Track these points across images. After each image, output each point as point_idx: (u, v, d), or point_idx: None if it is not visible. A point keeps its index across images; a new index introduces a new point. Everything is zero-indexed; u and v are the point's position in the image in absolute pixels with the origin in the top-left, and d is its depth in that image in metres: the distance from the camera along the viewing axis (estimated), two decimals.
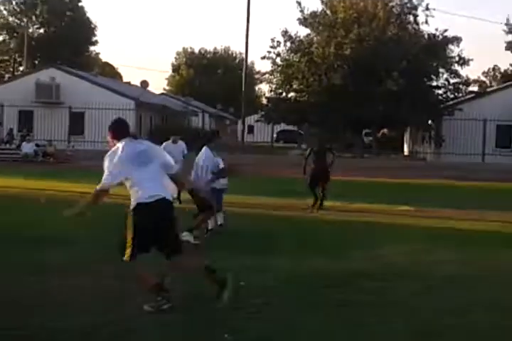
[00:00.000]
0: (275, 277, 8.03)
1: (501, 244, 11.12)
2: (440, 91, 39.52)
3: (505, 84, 46.22)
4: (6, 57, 66.95)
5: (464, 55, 38.84)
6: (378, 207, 16.31)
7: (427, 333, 6.11)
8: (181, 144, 15.88)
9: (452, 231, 12.58)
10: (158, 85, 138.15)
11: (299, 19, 39.56)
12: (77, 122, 37.00)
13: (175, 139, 15.80)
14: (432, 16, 39.18)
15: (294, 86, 39.26)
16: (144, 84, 40.37)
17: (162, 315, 6.34)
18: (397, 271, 8.71)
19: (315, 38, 39.79)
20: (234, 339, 5.71)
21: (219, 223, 11.69)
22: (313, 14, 39.86)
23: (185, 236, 9.91)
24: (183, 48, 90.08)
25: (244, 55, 43.69)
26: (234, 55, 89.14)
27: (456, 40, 39.12)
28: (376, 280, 8.12)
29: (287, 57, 39.39)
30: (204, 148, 11.03)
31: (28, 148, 31.90)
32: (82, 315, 6.35)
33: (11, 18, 66.47)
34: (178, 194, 13.02)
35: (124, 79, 72.65)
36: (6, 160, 30.95)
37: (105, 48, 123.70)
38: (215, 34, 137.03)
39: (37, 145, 32.91)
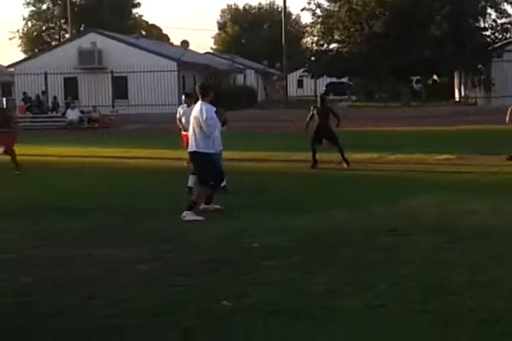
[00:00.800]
0: (290, 237, 7.79)
1: None
2: (488, 33, 38.08)
3: None
4: (52, 25, 67.31)
5: None
6: (418, 156, 15.90)
7: (441, 291, 5.78)
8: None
9: (490, 180, 12.14)
10: (205, 44, 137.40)
11: None
12: (120, 86, 36.98)
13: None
14: None
15: (336, 37, 38.43)
16: (185, 44, 39.98)
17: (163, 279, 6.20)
18: (422, 224, 8.37)
19: None
20: (234, 306, 5.52)
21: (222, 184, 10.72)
22: None
23: (186, 216, 9.06)
24: (228, 5, 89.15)
25: (286, 9, 42.84)
26: (279, 9, 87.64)
27: None
28: (398, 235, 7.82)
29: (327, 7, 38.43)
30: (199, 103, 9.41)
31: (72, 115, 32.12)
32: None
33: None
34: None
35: (172, 41, 72.37)
36: (53, 128, 31.28)
37: (150, 10, 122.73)
38: None
39: (82, 111, 33.12)
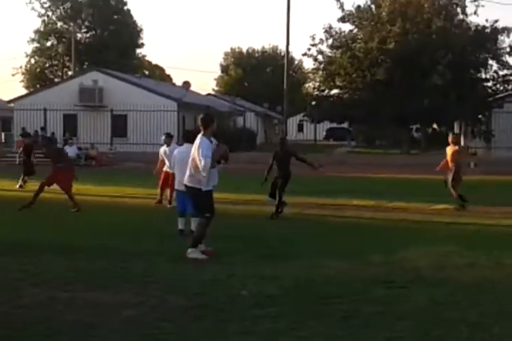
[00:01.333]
0: (281, 285, 7.47)
1: None
2: (489, 84, 38.20)
3: None
4: (55, 62, 67.70)
5: None
6: (415, 205, 15.63)
7: None
8: None
9: (488, 232, 11.85)
10: (208, 86, 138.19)
11: (340, 17, 38.69)
12: (119, 125, 36.96)
13: None
14: (482, 6, 37.73)
15: (337, 83, 38.50)
16: (186, 84, 40.10)
17: None
18: (419, 276, 8.04)
19: (358, 34, 38.90)
20: None
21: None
22: (357, 9, 38.97)
23: (191, 253, 9.03)
24: (231, 48, 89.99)
25: (289, 54, 43.03)
26: (282, 53, 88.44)
27: (507, 30, 37.75)
28: (393, 287, 7.49)
29: (329, 53, 38.61)
30: (199, 138, 9.12)
31: (70, 151, 31.86)
32: None
33: (59, 23, 67.18)
34: None
35: (175, 81, 72.77)
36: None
37: (153, 51, 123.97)
38: (263, 33, 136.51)
39: (79, 148, 32.95)
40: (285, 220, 13.22)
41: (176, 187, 11.24)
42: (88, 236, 11.03)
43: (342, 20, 38.74)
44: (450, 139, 16.11)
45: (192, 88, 44.07)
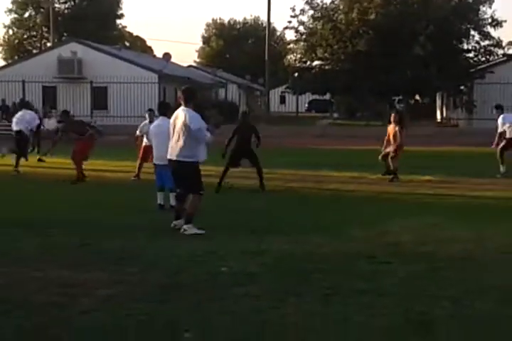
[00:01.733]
0: (263, 261, 7.35)
1: None
2: (471, 55, 38.06)
3: None
4: (33, 33, 66.60)
5: (497, 16, 37.28)
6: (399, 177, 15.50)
7: (420, 327, 5.36)
8: None
9: (472, 203, 11.81)
10: (189, 57, 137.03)
11: None
12: (100, 97, 36.48)
13: None
14: None
15: (319, 54, 38.15)
16: (167, 56, 39.61)
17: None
18: (401, 251, 7.98)
19: (339, 5, 38.49)
20: (196, 339, 5.07)
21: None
22: None
23: (188, 230, 8.88)
24: (213, 19, 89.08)
25: (270, 25, 42.64)
26: (264, 25, 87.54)
27: (489, 0, 37.57)
28: (375, 262, 7.40)
29: (310, 25, 38.23)
30: (184, 110, 8.99)
31: (50, 124, 31.44)
32: None
33: None
34: None
35: (156, 53, 71.98)
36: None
37: (133, 22, 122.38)
38: (244, 4, 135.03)
39: (59, 121, 32.47)
40: (267, 193, 13.09)
41: (154, 161, 11.06)
42: (65, 211, 10.86)
43: None
44: (392, 117, 15.57)
45: (173, 60, 43.64)
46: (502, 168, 15.91)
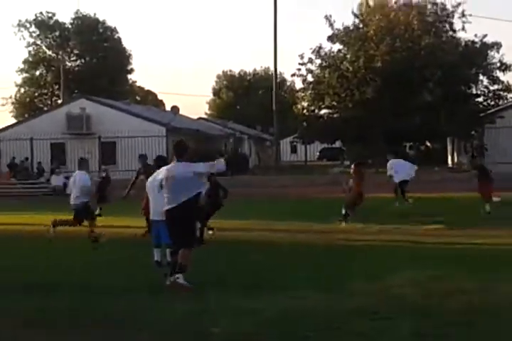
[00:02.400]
0: (257, 321, 6.92)
1: None
2: (480, 99, 37.90)
3: None
4: (44, 91, 67.33)
5: (506, 60, 37.22)
6: (405, 227, 15.05)
7: None
8: None
9: (481, 253, 11.30)
10: (200, 110, 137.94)
11: (329, 36, 38.43)
12: (108, 152, 36.49)
13: None
14: (469, 22, 37.46)
15: (326, 103, 38.15)
16: (175, 109, 39.74)
17: None
18: (405, 306, 7.52)
19: (347, 54, 38.65)
20: None
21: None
22: (346, 29, 38.77)
23: (180, 278, 8.59)
24: (223, 71, 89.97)
25: (277, 74, 42.70)
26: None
27: (496, 45, 37.59)
28: (377, 319, 6.96)
29: (318, 73, 38.34)
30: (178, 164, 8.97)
31: (57, 181, 31.39)
32: None
33: (47, 52, 66.96)
34: None
35: (167, 106, 72.45)
36: (36, 194, 30.51)
37: (144, 76, 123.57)
38: (254, 55, 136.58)
39: (66, 177, 32.41)
40: (267, 247, 12.66)
41: (151, 217, 10.74)
42: (65, 270, 10.50)
43: (331, 39, 38.54)
44: (352, 170, 17.12)
45: (184, 112, 43.85)
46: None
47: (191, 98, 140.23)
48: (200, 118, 63.56)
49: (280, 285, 8.73)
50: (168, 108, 57.33)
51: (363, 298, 7.92)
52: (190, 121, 50.66)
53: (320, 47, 38.20)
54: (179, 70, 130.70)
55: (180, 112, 43.71)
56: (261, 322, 6.89)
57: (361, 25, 39.19)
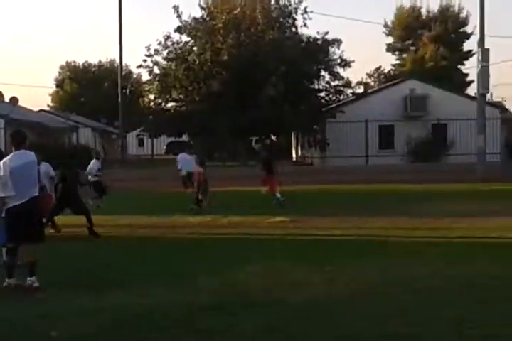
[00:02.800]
0: (100, 322, 6.68)
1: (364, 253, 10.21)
2: (322, 94, 39.02)
3: (384, 85, 46.56)
4: None
5: (346, 56, 38.47)
6: (252, 219, 15.21)
7: None
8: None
9: (323, 244, 11.61)
10: (42, 102, 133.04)
11: (177, 27, 38.04)
12: None
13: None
14: (310, 19, 38.29)
15: (173, 95, 37.83)
16: (14, 100, 37.95)
17: None
18: (248, 300, 7.54)
19: (194, 46, 38.46)
20: None
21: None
22: (193, 20, 38.56)
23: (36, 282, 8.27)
24: (67, 62, 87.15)
25: (122, 65, 41.77)
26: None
27: (337, 42, 38.73)
28: (221, 314, 6.91)
29: (164, 65, 37.92)
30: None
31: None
32: None
33: None
34: None
35: (6, 98, 69.00)
36: None
37: None
38: (100, 47, 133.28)
39: None
40: (113, 242, 12.34)
41: None
42: None
43: (179, 31, 38.20)
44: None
45: (25, 104, 41.97)
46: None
47: (33, 89, 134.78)
48: (41, 110, 61.23)
49: (126, 282, 8.52)
50: (6, 99, 54.82)
51: (209, 293, 7.87)
52: (31, 113, 48.66)
53: (168, 37, 37.75)
54: (19, 60, 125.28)
55: (21, 104, 41.91)
56: (104, 323, 6.65)
57: (209, 18, 39.13)
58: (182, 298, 7.68)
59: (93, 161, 20.11)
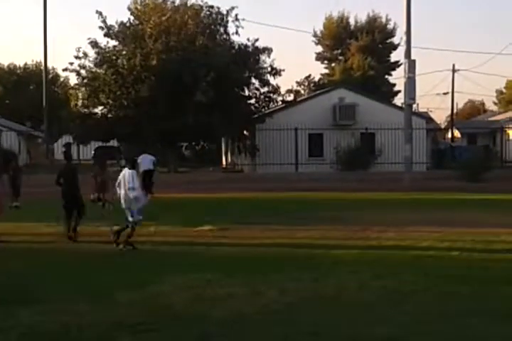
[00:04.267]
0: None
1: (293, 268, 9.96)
2: (252, 101, 38.87)
3: (313, 93, 46.84)
4: None
5: (276, 65, 38.42)
6: (179, 229, 14.76)
7: None
8: None
9: (252, 255, 11.31)
10: None
11: (101, 28, 37.26)
12: None
13: None
14: (242, 27, 38.19)
15: (102, 100, 37.00)
16: None
17: None
18: (171, 314, 7.20)
19: (123, 50, 37.76)
20: None
21: None
22: (121, 25, 37.91)
23: None
24: None
25: (47, 67, 40.80)
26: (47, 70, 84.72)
27: (267, 50, 38.67)
28: (140, 331, 6.53)
29: (93, 69, 37.09)
30: None
31: None
32: None
33: None
34: None
35: None
36: None
37: None
38: (25, 49, 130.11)
39: None
40: (30, 252, 11.73)
41: None
42: None
43: (107, 35, 37.48)
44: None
45: None
46: None
47: None
48: None
49: (40, 297, 8.01)
50: None
51: (126, 307, 7.48)
52: None
53: (95, 43, 36.98)
54: None
55: None
56: None
57: (137, 22, 38.53)
58: (98, 313, 7.25)
59: None
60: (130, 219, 12.23)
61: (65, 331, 6.55)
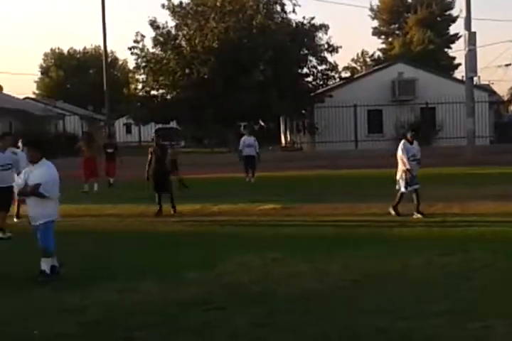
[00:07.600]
0: (83, 320, 6.42)
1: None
2: (310, 79, 38.68)
3: (372, 69, 46.26)
4: None
5: (333, 42, 38.13)
6: (243, 207, 14.93)
7: None
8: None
9: (318, 233, 11.34)
10: (28, 89, 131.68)
11: (162, 6, 37.63)
12: None
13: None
14: (299, 5, 37.99)
15: (162, 82, 37.35)
16: None
17: None
18: (238, 293, 7.32)
19: (183, 31, 37.98)
20: None
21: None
22: (181, 6, 38.21)
23: None
24: (51, 49, 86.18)
25: (109, 53, 41.40)
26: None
27: (324, 27, 38.39)
28: (210, 309, 6.67)
29: (154, 51, 37.52)
30: None
31: None
32: None
33: None
34: None
35: None
36: None
37: None
38: (84, 33, 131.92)
39: None
40: (98, 234, 12.02)
41: None
42: None
43: (171, 11, 37.93)
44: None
45: (10, 92, 41.47)
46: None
47: (17, 77, 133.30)
48: (27, 97, 60.59)
49: (110, 276, 8.23)
50: None
51: (197, 287, 7.63)
52: (16, 101, 48.11)
53: (155, 22, 37.40)
54: (2, 47, 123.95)
55: (6, 91, 41.43)
56: (86, 321, 6.39)
57: (197, 3, 38.70)
58: (170, 292, 7.43)
59: None
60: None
61: (138, 310, 6.72)
